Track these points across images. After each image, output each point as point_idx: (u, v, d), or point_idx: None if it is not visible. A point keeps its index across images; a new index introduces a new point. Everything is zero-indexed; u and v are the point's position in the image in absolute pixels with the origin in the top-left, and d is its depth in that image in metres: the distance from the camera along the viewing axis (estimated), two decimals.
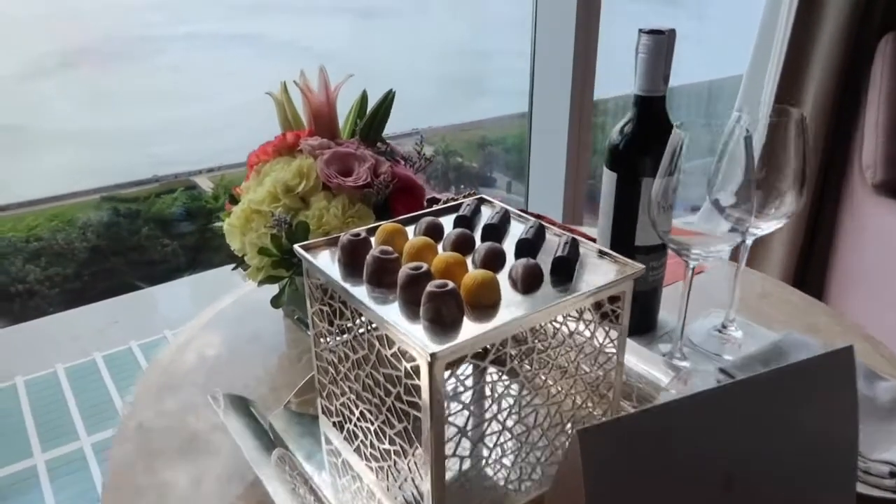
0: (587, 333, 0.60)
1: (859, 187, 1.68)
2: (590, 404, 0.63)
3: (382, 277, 0.56)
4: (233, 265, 0.79)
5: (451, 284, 0.51)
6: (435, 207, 0.69)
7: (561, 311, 0.54)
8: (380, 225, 0.63)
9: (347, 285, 0.55)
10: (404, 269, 0.54)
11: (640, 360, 0.68)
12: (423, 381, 0.48)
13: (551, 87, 1.70)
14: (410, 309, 0.52)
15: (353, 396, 0.60)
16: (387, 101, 0.80)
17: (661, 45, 0.71)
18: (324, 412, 0.67)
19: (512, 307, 0.53)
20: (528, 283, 0.55)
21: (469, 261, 0.59)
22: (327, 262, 0.59)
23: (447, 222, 0.66)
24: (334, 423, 0.65)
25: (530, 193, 1.83)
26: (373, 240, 0.62)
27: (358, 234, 0.59)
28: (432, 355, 0.47)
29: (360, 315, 0.55)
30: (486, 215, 0.68)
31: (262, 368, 0.79)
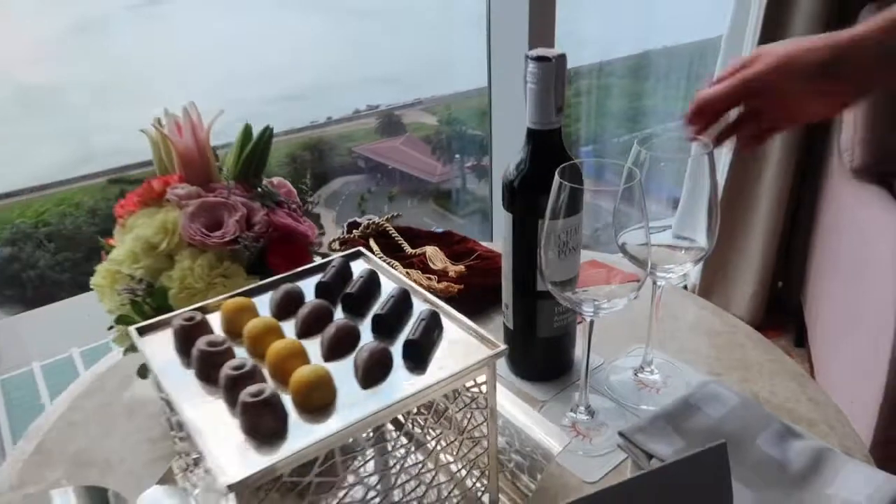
0: (457, 416, 0.54)
1: (837, 172, 1.60)
2: (473, 483, 0.58)
3: (211, 373, 0.50)
4: (109, 325, 0.73)
5: (267, 391, 0.45)
6: (307, 267, 0.63)
7: (402, 410, 0.48)
8: (233, 298, 0.57)
9: (169, 380, 0.50)
10: (225, 369, 0.48)
11: (534, 423, 0.62)
12: None
13: (508, 56, 1.54)
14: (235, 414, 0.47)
15: None
16: (264, 137, 0.73)
17: (549, 72, 0.63)
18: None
19: (350, 408, 0.47)
20: (372, 374, 0.50)
21: (319, 343, 0.53)
22: (166, 350, 0.54)
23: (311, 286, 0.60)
24: None
25: (494, 185, 1.74)
26: (218, 319, 0.56)
27: (191, 318, 0.54)
28: (230, 486, 0.41)
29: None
30: (356, 275, 0.61)
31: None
